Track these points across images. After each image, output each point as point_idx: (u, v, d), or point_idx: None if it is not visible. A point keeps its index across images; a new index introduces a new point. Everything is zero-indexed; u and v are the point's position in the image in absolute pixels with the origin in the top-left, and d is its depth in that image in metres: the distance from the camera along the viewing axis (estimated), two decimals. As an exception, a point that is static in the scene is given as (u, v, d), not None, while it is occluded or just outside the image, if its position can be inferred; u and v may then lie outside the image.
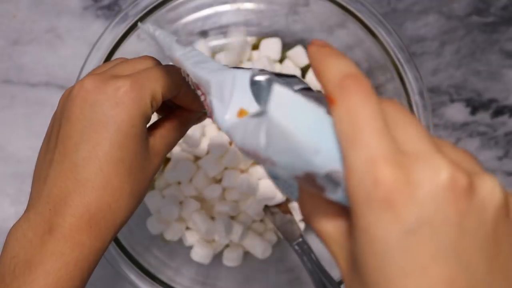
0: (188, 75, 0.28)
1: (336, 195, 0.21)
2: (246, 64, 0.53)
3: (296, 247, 0.47)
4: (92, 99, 0.31)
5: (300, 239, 0.47)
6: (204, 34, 0.55)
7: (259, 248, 0.51)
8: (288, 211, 0.49)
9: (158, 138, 0.34)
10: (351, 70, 0.21)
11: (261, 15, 0.55)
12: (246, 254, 0.53)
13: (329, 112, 0.21)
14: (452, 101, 0.61)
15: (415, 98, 0.49)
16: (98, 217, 0.31)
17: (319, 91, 0.22)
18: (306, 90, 0.23)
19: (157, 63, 0.35)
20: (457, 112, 0.61)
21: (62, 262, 0.30)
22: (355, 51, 0.53)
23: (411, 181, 0.19)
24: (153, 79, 0.32)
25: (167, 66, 0.34)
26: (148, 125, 0.34)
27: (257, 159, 0.22)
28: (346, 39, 0.53)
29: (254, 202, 0.50)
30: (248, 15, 0.55)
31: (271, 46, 0.54)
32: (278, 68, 0.53)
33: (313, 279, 0.45)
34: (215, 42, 0.56)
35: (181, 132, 0.37)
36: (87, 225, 0.30)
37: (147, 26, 0.32)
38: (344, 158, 0.20)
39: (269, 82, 0.23)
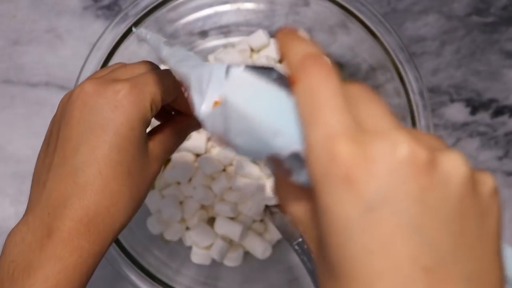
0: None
1: (301, 177, 0.21)
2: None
3: (296, 247, 0.47)
4: (92, 103, 0.31)
5: (300, 239, 0.47)
6: (204, 34, 0.55)
7: (259, 248, 0.51)
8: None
9: (157, 143, 0.34)
10: (312, 50, 0.21)
11: (261, 15, 0.55)
12: (246, 254, 0.53)
13: (292, 93, 0.21)
14: (452, 101, 0.61)
15: (415, 98, 0.49)
16: (97, 220, 0.31)
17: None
18: (281, 79, 0.23)
19: (156, 67, 0.35)
20: (457, 112, 0.61)
21: (61, 266, 0.30)
22: (355, 51, 0.53)
23: (369, 156, 0.19)
24: (152, 83, 0.33)
25: (166, 70, 0.34)
26: (148, 131, 0.34)
27: (224, 144, 0.23)
28: (346, 39, 0.53)
29: (254, 203, 0.50)
30: (248, 15, 0.55)
31: (272, 46, 0.54)
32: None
33: (313, 279, 0.45)
34: (215, 42, 0.56)
35: (181, 137, 0.37)
36: (85, 229, 0.30)
37: (140, 31, 0.33)
38: (304, 136, 0.20)
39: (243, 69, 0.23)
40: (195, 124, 0.37)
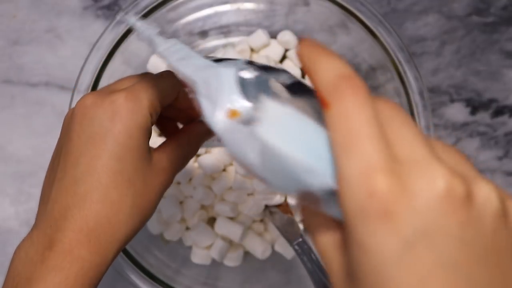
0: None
1: (331, 210, 0.20)
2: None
3: (296, 247, 0.47)
4: (91, 114, 0.31)
5: (300, 239, 0.47)
6: (204, 34, 0.55)
7: (259, 248, 0.51)
8: (288, 211, 0.49)
9: (164, 154, 0.34)
10: (345, 70, 0.20)
11: (261, 15, 0.55)
12: (246, 254, 0.53)
13: (323, 119, 0.20)
14: (452, 101, 0.61)
15: (415, 98, 0.49)
16: (97, 231, 0.30)
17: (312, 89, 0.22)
18: (298, 87, 0.22)
19: (152, 75, 0.35)
20: (457, 112, 0.61)
21: (62, 277, 0.29)
22: (355, 51, 0.53)
23: (408, 191, 0.18)
24: (148, 88, 0.32)
25: (162, 72, 0.34)
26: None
27: (250, 173, 0.21)
28: (346, 39, 0.53)
29: (254, 203, 0.50)
30: (248, 15, 0.55)
31: (272, 46, 0.54)
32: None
33: (313, 279, 0.45)
34: (215, 42, 0.56)
35: (191, 148, 0.36)
36: (86, 239, 0.30)
37: (129, 20, 0.32)
38: (338, 167, 0.19)
39: (258, 83, 0.22)
40: (204, 132, 0.37)
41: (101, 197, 0.30)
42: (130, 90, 0.32)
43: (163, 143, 0.35)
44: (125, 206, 0.31)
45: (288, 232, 0.48)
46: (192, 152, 0.36)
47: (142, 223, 0.33)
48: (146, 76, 0.34)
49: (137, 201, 0.32)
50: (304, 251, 0.46)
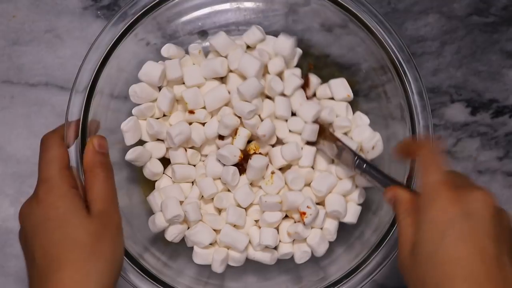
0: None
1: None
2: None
3: (357, 169, 0.48)
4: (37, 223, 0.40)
5: (357, 160, 0.47)
6: (203, 33, 0.55)
7: (266, 258, 0.51)
8: (334, 139, 0.50)
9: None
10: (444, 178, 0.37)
11: (261, 15, 0.55)
12: (247, 254, 0.52)
13: None
14: (453, 101, 0.61)
15: (414, 98, 0.49)
16: None
17: None
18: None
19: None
20: (458, 112, 0.60)
21: None
22: (355, 51, 0.53)
23: (464, 195, 0.37)
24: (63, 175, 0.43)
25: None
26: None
27: None
28: (346, 39, 0.53)
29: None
30: (248, 14, 0.55)
31: (267, 41, 0.53)
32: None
33: (382, 185, 0.45)
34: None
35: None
36: None
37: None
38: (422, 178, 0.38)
39: None
40: None
41: None
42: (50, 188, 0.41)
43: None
44: None
45: (343, 158, 0.49)
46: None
47: None
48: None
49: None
50: (364, 170, 0.47)
